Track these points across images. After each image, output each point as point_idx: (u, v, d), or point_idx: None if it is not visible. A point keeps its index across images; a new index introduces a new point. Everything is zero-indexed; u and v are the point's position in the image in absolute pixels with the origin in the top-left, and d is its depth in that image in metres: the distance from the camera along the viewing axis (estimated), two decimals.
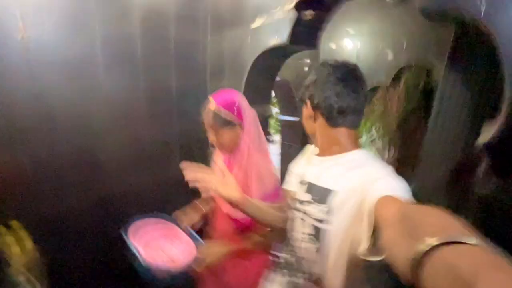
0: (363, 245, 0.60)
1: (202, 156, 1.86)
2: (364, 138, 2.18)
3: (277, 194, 1.03)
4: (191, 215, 1.15)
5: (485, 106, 0.99)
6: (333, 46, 2.60)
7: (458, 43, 1.05)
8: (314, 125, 0.78)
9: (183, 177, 0.77)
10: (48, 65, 1.17)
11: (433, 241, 0.30)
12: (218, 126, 0.98)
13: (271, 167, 1.08)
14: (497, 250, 0.27)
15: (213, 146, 1.04)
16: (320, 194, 0.74)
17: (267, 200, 0.99)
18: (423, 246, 0.30)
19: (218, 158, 1.17)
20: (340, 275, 0.71)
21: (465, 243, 0.28)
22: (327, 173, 0.75)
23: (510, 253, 0.27)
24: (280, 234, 0.92)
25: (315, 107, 0.76)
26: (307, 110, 0.79)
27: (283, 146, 2.88)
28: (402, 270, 0.35)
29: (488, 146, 0.78)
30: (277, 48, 1.32)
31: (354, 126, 0.75)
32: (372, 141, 2.24)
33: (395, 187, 0.58)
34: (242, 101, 1.03)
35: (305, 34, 1.27)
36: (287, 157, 2.84)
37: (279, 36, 1.30)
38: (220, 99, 1.01)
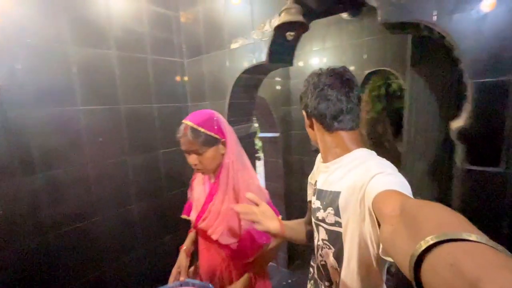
0: (375, 246, 0.59)
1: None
2: None
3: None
4: (182, 263, 1.05)
5: (450, 100, 1.12)
6: (300, 63, 2.79)
7: (417, 49, 1.20)
8: (313, 132, 0.80)
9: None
10: (21, 95, 1.10)
11: (433, 238, 0.29)
12: (199, 146, 0.90)
13: (258, 182, 1.03)
14: (499, 247, 0.26)
15: (198, 169, 0.96)
16: (327, 199, 0.74)
17: None
18: (423, 243, 0.29)
19: (197, 183, 1.10)
20: (355, 280, 0.68)
21: (466, 239, 0.27)
22: (332, 176, 0.75)
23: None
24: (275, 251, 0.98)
25: (310, 116, 0.78)
26: (306, 120, 0.80)
27: (265, 162, 2.91)
28: (402, 266, 0.34)
29: (461, 134, 0.87)
30: (257, 67, 1.38)
31: (352, 127, 0.75)
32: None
33: (392, 181, 0.56)
34: (219, 117, 0.99)
35: (282, 53, 1.36)
36: (271, 173, 2.86)
37: (256, 56, 1.37)
38: (197, 118, 0.94)
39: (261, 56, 1.34)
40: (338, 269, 0.73)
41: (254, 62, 1.38)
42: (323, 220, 0.75)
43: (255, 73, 1.50)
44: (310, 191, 0.93)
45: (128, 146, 1.46)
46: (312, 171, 0.94)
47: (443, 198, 1.23)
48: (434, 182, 1.21)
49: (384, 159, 0.69)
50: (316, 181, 0.86)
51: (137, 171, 1.51)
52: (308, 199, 0.94)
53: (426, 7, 0.87)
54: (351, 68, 2.42)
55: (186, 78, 1.74)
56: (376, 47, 2.26)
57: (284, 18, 1.07)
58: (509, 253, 0.26)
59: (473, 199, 0.88)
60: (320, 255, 0.80)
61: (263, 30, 1.30)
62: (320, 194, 0.79)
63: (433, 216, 0.34)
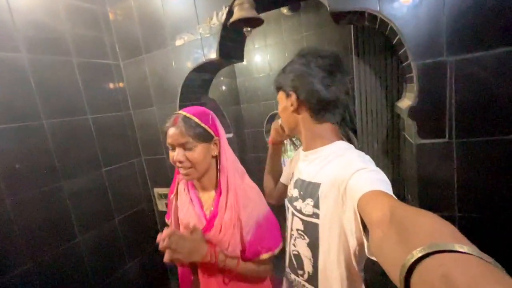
0: (355, 241, 0.60)
1: (138, 199, 1.61)
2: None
3: (268, 219, 0.89)
4: None
5: (392, 83, 1.23)
6: (244, 62, 2.77)
7: (358, 39, 1.28)
8: (297, 117, 0.73)
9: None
10: None
11: (425, 248, 0.28)
12: (190, 139, 0.78)
13: (257, 189, 0.92)
14: (490, 259, 0.26)
15: (183, 168, 0.81)
16: (305, 189, 0.73)
17: (259, 231, 0.85)
18: (414, 253, 0.29)
19: (180, 193, 0.93)
20: (335, 269, 0.67)
21: (457, 251, 0.27)
22: (311, 166, 0.73)
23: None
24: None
25: (302, 101, 0.70)
26: (288, 102, 0.72)
27: None
28: (392, 275, 0.33)
29: (411, 112, 0.96)
30: (208, 64, 1.29)
31: (337, 120, 0.73)
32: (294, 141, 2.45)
33: (376, 179, 0.55)
34: (214, 114, 0.88)
35: (233, 48, 1.29)
36: None
37: (205, 53, 1.27)
38: (191, 110, 0.83)
39: (211, 52, 1.25)
40: (312, 259, 0.72)
41: (204, 59, 1.28)
42: (300, 211, 0.73)
43: (205, 71, 1.40)
44: (284, 173, 0.94)
45: (60, 169, 1.19)
46: (292, 158, 0.93)
47: (397, 173, 1.35)
48: (388, 160, 1.32)
49: (362, 152, 0.68)
50: (293, 167, 0.85)
51: (77, 197, 1.25)
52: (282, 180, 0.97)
53: None
54: None
55: (124, 82, 1.52)
56: (315, 41, 2.39)
57: (238, 14, 1.01)
58: (499, 265, 0.26)
59: (427, 169, 0.97)
60: (293, 244, 0.78)
61: (210, 24, 1.21)
62: (297, 183, 0.77)
63: (424, 226, 0.34)
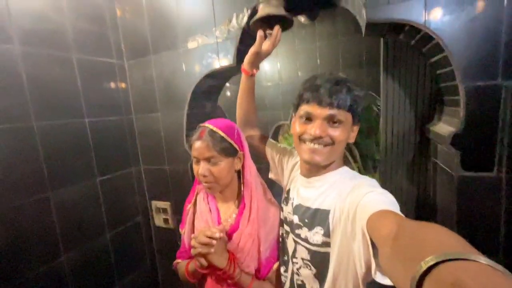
0: (363, 265, 0.58)
1: (133, 212, 1.47)
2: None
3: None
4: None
5: (424, 103, 1.12)
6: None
7: (389, 54, 1.18)
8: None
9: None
10: None
11: (433, 258, 0.28)
12: (215, 154, 0.77)
13: (276, 203, 0.92)
14: (499, 267, 0.26)
15: (207, 182, 0.80)
16: (312, 216, 0.70)
17: (276, 248, 0.85)
18: (423, 264, 0.29)
19: (199, 201, 0.92)
20: None
21: (466, 259, 0.27)
22: (316, 192, 0.72)
23: None
24: None
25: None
26: (356, 129, 0.72)
27: None
28: None
29: (454, 139, 0.84)
30: (223, 70, 1.17)
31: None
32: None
33: (385, 201, 0.56)
34: (239, 129, 0.87)
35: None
36: None
37: (220, 58, 1.16)
38: (217, 123, 0.82)
39: (227, 57, 1.13)
40: None
41: (219, 64, 1.16)
42: (306, 240, 0.71)
43: (219, 78, 1.28)
44: (285, 180, 0.91)
45: (48, 177, 1.05)
46: (288, 175, 0.90)
47: (423, 199, 1.23)
48: (414, 188, 1.21)
49: (367, 177, 0.70)
50: (289, 189, 0.84)
51: (65, 210, 1.10)
52: (271, 175, 0.99)
53: (415, 7, 0.82)
54: (305, 73, 2.41)
55: (128, 84, 1.39)
56: (328, 52, 2.30)
57: (264, 11, 0.89)
58: (509, 272, 0.26)
59: (469, 205, 0.86)
60: (297, 273, 0.77)
61: (228, 27, 1.10)
62: (298, 209, 0.75)
63: (431, 237, 0.34)
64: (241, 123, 1.01)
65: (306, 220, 0.72)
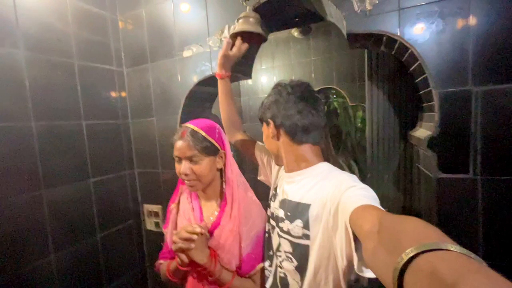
0: (344, 258, 0.60)
1: (126, 215, 1.49)
2: None
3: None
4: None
5: (407, 111, 1.17)
6: (250, 81, 2.76)
7: (372, 65, 1.25)
8: (277, 143, 0.79)
9: None
10: None
11: (413, 250, 0.30)
12: (196, 153, 0.80)
13: (258, 203, 0.94)
14: (472, 255, 0.28)
15: (189, 181, 0.82)
16: (293, 209, 0.73)
17: (258, 245, 0.87)
18: (404, 256, 0.30)
19: (183, 202, 0.94)
20: None
21: (443, 249, 0.29)
22: (298, 187, 0.75)
23: None
24: None
25: (278, 126, 0.77)
26: (268, 130, 0.80)
27: None
28: (386, 282, 0.35)
29: (431, 143, 0.88)
30: (215, 78, 1.23)
31: (317, 141, 0.78)
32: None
33: (366, 195, 0.58)
34: (221, 128, 0.91)
35: (241, 64, 1.24)
36: None
37: (213, 66, 1.23)
38: (198, 123, 0.86)
39: (213, 66, 1.19)
40: (300, 282, 0.73)
41: (211, 72, 1.22)
42: (288, 232, 0.74)
43: (211, 85, 1.34)
44: (273, 179, 0.93)
45: (43, 175, 1.09)
46: (276, 173, 0.93)
47: (409, 204, 1.25)
48: (400, 192, 1.23)
49: (347, 172, 0.73)
50: (277, 186, 0.87)
51: (57, 209, 1.13)
52: (260, 177, 1.04)
53: (390, 20, 0.89)
54: None
55: (126, 90, 1.46)
56: (323, 66, 2.39)
57: (241, 26, 0.96)
58: (482, 260, 0.28)
59: (447, 206, 0.88)
60: (279, 266, 0.79)
61: (221, 37, 1.17)
62: (283, 204, 0.78)
63: (411, 230, 0.36)
64: (227, 125, 1.06)
65: (289, 213, 0.74)
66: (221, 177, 0.91)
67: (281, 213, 0.78)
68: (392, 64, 1.20)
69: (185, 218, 0.89)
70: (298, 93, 0.75)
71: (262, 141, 0.93)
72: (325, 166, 0.76)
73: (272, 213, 0.85)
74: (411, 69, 1.00)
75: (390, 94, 1.22)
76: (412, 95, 1.18)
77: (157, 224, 1.44)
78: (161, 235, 1.45)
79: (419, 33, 0.85)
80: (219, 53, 0.97)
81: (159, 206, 1.43)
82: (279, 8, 1.15)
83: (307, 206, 0.70)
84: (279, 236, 0.78)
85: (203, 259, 0.76)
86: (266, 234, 0.89)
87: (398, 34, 0.88)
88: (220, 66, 0.98)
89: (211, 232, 0.83)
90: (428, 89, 0.88)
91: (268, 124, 0.80)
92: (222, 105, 1.05)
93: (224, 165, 0.88)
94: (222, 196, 0.90)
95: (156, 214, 1.44)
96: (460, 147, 0.84)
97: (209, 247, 0.80)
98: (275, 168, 0.94)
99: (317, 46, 2.36)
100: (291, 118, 0.74)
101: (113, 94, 1.40)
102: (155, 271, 0.96)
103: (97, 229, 1.29)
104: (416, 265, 0.29)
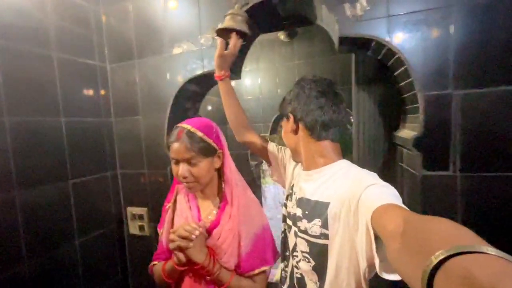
0: (365, 259, 0.58)
1: (107, 219, 1.41)
2: None
3: (266, 232, 0.89)
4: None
5: (392, 112, 1.24)
6: (233, 83, 2.75)
7: (359, 68, 1.30)
8: (296, 138, 0.78)
9: None
10: None
11: (443, 252, 0.28)
12: (194, 154, 0.77)
13: (258, 203, 0.92)
14: (510, 257, 0.26)
15: (187, 183, 0.80)
16: (312, 208, 0.71)
17: (258, 244, 0.85)
18: (433, 258, 0.28)
19: (180, 202, 0.91)
20: None
21: (477, 252, 0.27)
22: (316, 185, 0.73)
23: None
24: None
25: (297, 121, 0.76)
26: (288, 124, 0.78)
27: None
28: (414, 285, 0.33)
29: (416, 142, 0.94)
30: (206, 76, 1.21)
31: (337, 138, 0.75)
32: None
33: (388, 194, 0.56)
34: (217, 127, 0.87)
35: (232, 63, 1.24)
36: None
37: (204, 64, 1.21)
38: (195, 123, 0.81)
39: (212, 64, 1.18)
40: (318, 283, 0.70)
41: (203, 70, 1.21)
42: (305, 231, 0.72)
43: (202, 84, 1.32)
44: (289, 178, 0.91)
45: (16, 175, 1.00)
46: (291, 172, 0.91)
47: None
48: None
49: (366, 170, 0.70)
50: (293, 184, 0.85)
51: (32, 212, 1.04)
52: (274, 177, 1.02)
53: (380, 26, 0.94)
54: (284, 89, 2.53)
55: (109, 87, 1.39)
56: (306, 70, 2.45)
57: (228, 23, 0.97)
58: None
59: (431, 202, 0.94)
60: (296, 266, 0.77)
61: (213, 36, 1.16)
62: (301, 202, 0.76)
63: (440, 231, 0.34)
64: (234, 125, 1.04)
65: (307, 212, 0.72)
66: (219, 176, 0.89)
67: (298, 212, 0.75)
68: (375, 69, 1.26)
69: (182, 217, 0.86)
70: (319, 88, 0.73)
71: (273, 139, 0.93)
72: (345, 164, 0.73)
73: (289, 213, 0.83)
74: (396, 73, 1.06)
75: (376, 97, 1.28)
76: (393, 98, 1.25)
77: (141, 228, 1.38)
78: (145, 239, 1.39)
79: (406, 39, 0.91)
80: (215, 54, 0.95)
81: (144, 209, 1.37)
82: (269, 11, 1.17)
83: (326, 204, 0.68)
84: (296, 235, 0.76)
85: (202, 258, 0.74)
86: (282, 234, 0.87)
87: (387, 40, 0.94)
88: (219, 67, 0.96)
89: (209, 231, 0.81)
90: (413, 92, 0.95)
91: (288, 118, 0.78)
92: (226, 106, 1.02)
93: (223, 164, 0.86)
94: (220, 195, 0.89)
95: (140, 217, 1.38)
96: (442, 146, 0.91)
97: (207, 246, 0.78)
98: (290, 166, 0.92)
99: (301, 50, 2.42)
100: (311, 113, 0.72)
101: (95, 90, 1.33)
102: (146, 278, 0.92)
103: (76, 234, 1.21)
104: (448, 268, 0.27)
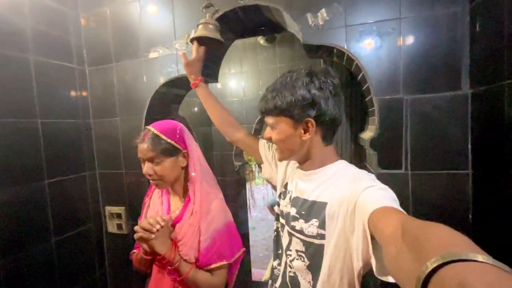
0: (360, 260, 0.59)
1: (84, 218, 1.44)
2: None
3: (228, 229, 0.94)
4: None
5: (357, 115, 1.32)
6: (218, 85, 2.80)
7: None
8: (302, 143, 0.71)
9: None
10: None
11: (439, 259, 0.28)
12: (157, 155, 0.84)
13: (223, 201, 0.98)
14: (506, 267, 0.26)
15: (153, 180, 0.88)
16: (308, 208, 0.71)
17: (217, 240, 0.90)
18: (429, 264, 0.28)
19: (153, 200, 0.99)
20: None
21: (472, 260, 0.27)
22: (314, 185, 0.72)
23: None
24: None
25: (318, 126, 0.68)
26: (300, 128, 0.69)
27: None
28: None
29: (372, 143, 1.01)
30: (180, 80, 1.26)
31: (334, 140, 0.79)
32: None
33: (386, 196, 0.55)
34: (184, 129, 0.94)
35: (207, 67, 1.30)
36: None
37: (179, 68, 1.26)
38: (159, 126, 0.89)
39: (181, 69, 1.23)
40: (312, 281, 0.70)
41: (177, 74, 1.26)
42: (301, 231, 0.71)
43: (177, 87, 1.37)
44: (281, 176, 0.89)
45: None
46: (283, 170, 0.89)
47: None
48: None
49: (365, 171, 0.70)
50: (286, 183, 0.84)
51: (4, 211, 1.06)
52: (264, 175, 1.00)
53: (339, 35, 1.01)
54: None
55: (88, 89, 1.42)
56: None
57: (200, 32, 1.02)
58: None
59: None
60: (289, 265, 0.77)
61: (187, 41, 1.22)
62: (296, 202, 0.75)
63: (437, 237, 0.34)
64: (220, 126, 1.05)
65: (303, 212, 0.72)
66: (186, 175, 0.95)
67: (292, 211, 0.75)
68: (345, 74, 1.34)
69: (153, 211, 0.94)
70: (335, 87, 0.68)
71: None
72: (343, 164, 0.73)
73: (282, 211, 0.82)
74: (358, 78, 1.14)
75: (345, 100, 1.36)
76: (361, 102, 1.33)
77: (119, 226, 1.41)
78: (123, 237, 1.43)
79: (362, 47, 0.99)
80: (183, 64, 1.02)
81: (122, 208, 1.41)
82: (239, 19, 1.23)
83: (324, 204, 0.67)
84: (290, 234, 0.76)
85: (163, 249, 0.80)
86: (275, 233, 0.87)
87: (346, 48, 1.01)
88: (189, 75, 1.02)
89: (174, 225, 0.87)
90: (370, 96, 1.02)
91: (299, 121, 0.68)
92: (208, 109, 1.05)
93: (188, 163, 0.92)
94: (186, 192, 0.94)
95: (118, 216, 1.41)
96: (395, 147, 0.99)
97: (171, 239, 0.84)
98: (282, 164, 0.89)
99: (283, 54, 2.49)
100: (334, 118, 0.69)
101: (74, 92, 1.36)
102: (123, 277, 1.00)
103: (52, 233, 1.23)
104: (442, 275, 0.27)
